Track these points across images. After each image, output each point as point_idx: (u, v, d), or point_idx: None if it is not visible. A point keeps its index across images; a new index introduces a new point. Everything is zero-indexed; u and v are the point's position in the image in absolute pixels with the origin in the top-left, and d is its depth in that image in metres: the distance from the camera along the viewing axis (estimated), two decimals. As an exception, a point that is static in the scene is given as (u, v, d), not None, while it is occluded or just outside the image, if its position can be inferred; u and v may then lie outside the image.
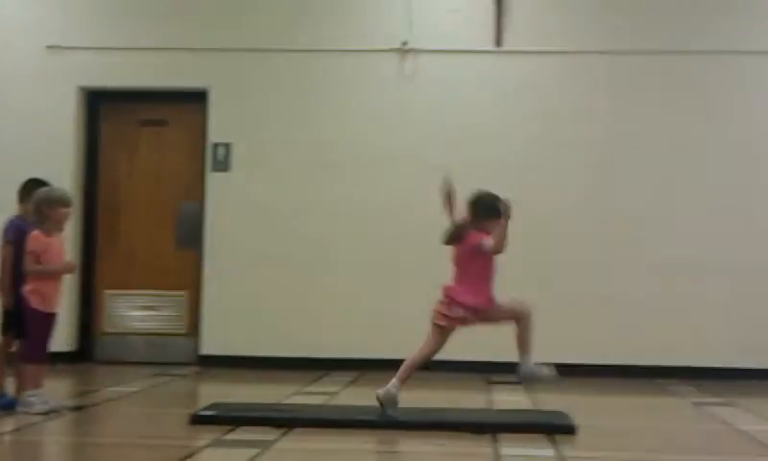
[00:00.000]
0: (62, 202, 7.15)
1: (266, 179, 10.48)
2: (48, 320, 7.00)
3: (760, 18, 10.33)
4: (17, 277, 7.11)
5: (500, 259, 6.92)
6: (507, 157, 10.27)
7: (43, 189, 7.17)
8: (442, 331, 6.90)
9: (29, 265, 6.95)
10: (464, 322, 6.86)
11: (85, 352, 10.64)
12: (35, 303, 6.93)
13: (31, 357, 6.98)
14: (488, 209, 6.85)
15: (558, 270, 10.17)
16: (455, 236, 6.90)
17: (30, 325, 6.96)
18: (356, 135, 10.44)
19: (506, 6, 10.42)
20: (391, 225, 10.34)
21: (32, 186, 7.33)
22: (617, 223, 10.24)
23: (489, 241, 6.73)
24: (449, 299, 6.83)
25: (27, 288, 6.95)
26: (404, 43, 10.42)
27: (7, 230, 7.36)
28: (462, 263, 6.88)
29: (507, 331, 9.86)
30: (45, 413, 6.83)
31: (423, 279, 10.21)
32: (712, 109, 10.27)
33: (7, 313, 7.34)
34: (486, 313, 6.85)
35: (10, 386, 7.25)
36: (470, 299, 6.78)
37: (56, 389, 7.58)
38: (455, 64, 10.46)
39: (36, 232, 6.98)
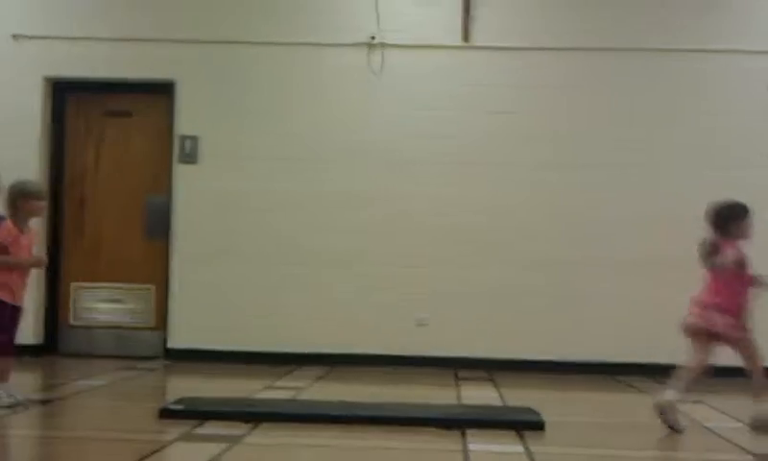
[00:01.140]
0: (37, 195, 7.11)
1: (234, 171, 10.44)
2: (14, 313, 6.95)
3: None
4: None
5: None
6: (473, 152, 10.32)
7: (18, 181, 7.11)
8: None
9: None
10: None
11: (52, 345, 10.57)
12: (1, 295, 6.88)
13: None
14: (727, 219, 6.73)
15: (521, 266, 10.22)
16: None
17: None
18: (324, 129, 10.43)
19: (474, 1, 10.45)
20: (359, 218, 10.35)
21: None
22: (581, 220, 10.30)
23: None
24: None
25: None
26: (372, 37, 10.43)
27: None
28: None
29: (476, 326, 9.96)
30: (10, 406, 6.79)
31: (393, 273, 10.31)
32: (679, 108, 10.35)
33: None
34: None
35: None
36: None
37: (22, 382, 7.52)
38: (423, 59, 10.48)
39: (7, 223, 6.93)
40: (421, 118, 10.39)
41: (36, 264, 7.37)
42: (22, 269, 7.03)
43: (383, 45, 10.43)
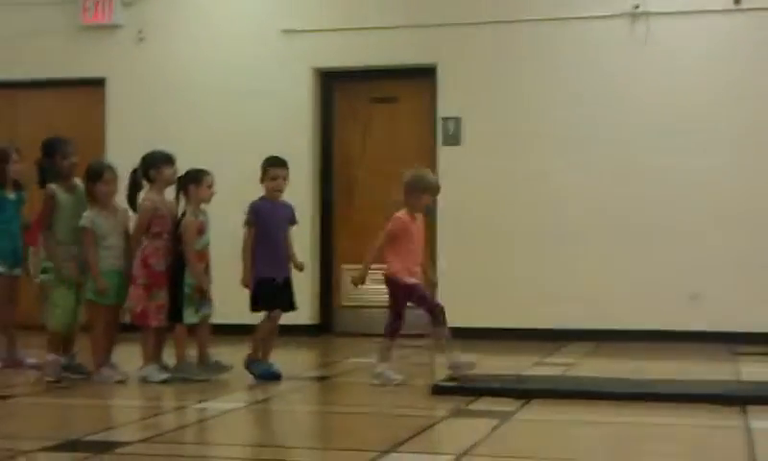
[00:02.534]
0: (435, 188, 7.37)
1: (497, 151, 10.46)
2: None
3: None
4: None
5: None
6: (745, 120, 9.87)
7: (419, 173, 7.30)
8: None
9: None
10: None
11: (327, 326, 10.98)
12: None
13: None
14: None
15: None
16: None
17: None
18: (589, 104, 10.27)
19: (744, -39, 9.97)
20: (624, 193, 10.11)
21: None
22: None
23: None
24: None
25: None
26: (636, 6, 10.15)
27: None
28: None
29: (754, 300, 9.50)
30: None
31: (661, 248, 10.00)
32: None
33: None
34: None
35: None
36: None
37: (300, 360, 7.83)
38: (690, 26, 10.10)
39: (401, 213, 7.20)
40: (689, 87, 10.03)
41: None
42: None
43: (647, 14, 10.12)
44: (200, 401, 6.60)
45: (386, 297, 7.40)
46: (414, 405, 6.56)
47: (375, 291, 10.84)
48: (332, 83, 11.18)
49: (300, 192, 9.79)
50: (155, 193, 7.44)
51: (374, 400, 6.84)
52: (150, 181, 7.45)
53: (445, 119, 10.62)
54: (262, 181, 7.49)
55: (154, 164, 7.44)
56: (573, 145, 10.24)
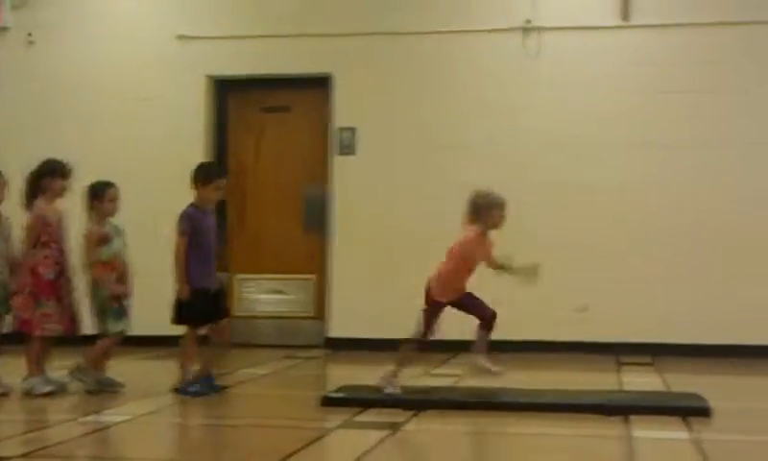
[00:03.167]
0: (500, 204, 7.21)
1: (391, 161, 10.52)
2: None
3: None
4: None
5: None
6: (634, 134, 10.11)
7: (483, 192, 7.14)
8: None
9: None
10: None
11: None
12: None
13: None
14: None
15: (689, 248, 9.95)
16: None
17: None
18: (481, 116, 10.39)
19: (631, -22, 10.22)
20: (519, 204, 10.24)
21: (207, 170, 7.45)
22: (751, 200, 9.95)
23: None
24: None
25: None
26: (528, 21, 10.32)
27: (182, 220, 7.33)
28: None
29: (638, 312, 9.75)
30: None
31: (550, 262, 10.16)
32: None
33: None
34: None
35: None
36: None
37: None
38: (581, 41, 10.31)
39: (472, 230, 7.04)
40: (580, 102, 10.24)
41: None
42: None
43: (539, 29, 10.31)
44: (86, 415, 6.49)
45: (276, 307, 7.35)
46: (303, 417, 6.56)
47: (267, 301, 10.87)
48: (226, 91, 11.11)
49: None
50: (44, 202, 7.31)
51: (264, 413, 6.83)
52: (42, 190, 7.32)
53: (341, 129, 10.64)
54: (202, 187, 7.33)
55: (48, 174, 7.32)
56: (466, 156, 10.34)
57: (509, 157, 10.31)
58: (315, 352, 10.13)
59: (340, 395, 6.92)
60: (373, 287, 10.41)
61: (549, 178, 10.21)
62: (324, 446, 5.75)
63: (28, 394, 7.08)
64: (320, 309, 10.68)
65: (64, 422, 6.38)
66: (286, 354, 9.73)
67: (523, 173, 10.24)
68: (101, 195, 7.33)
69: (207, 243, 7.37)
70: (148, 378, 7.62)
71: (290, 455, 5.26)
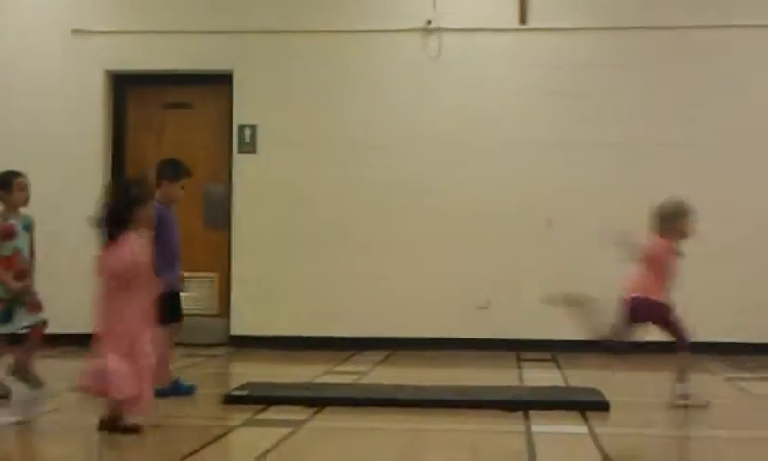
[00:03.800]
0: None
1: (292, 159, 10.49)
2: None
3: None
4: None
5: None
6: (532, 135, 10.26)
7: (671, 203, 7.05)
8: None
9: None
10: None
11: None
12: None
13: None
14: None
15: (585, 246, 10.13)
16: None
17: None
18: (382, 116, 10.44)
19: (530, -18, 10.38)
20: (416, 205, 10.33)
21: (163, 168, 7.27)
22: (647, 199, 10.17)
23: None
24: None
25: None
26: (428, 22, 10.40)
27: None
28: None
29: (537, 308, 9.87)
30: None
31: (451, 260, 10.29)
32: (742, 84, 10.18)
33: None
34: None
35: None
36: None
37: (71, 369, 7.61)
38: (480, 43, 10.43)
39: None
40: (480, 102, 10.34)
41: None
42: None
43: (439, 30, 10.39)
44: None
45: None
46: (205, 415, 6.51)
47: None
48: (125, 86, 10.94)
49: (91, 197, 9.50)
50: None
51: (166, 411, 6.74)
52: None
53: (242, 126, 10.58)
54: (169, 184, 7.15)
55: None
56: (366, 155, 10.38)
57: (406, 157, 10.36)
58: (218, 350, 10.05)
59: (243, 392, 6.88)
60: (276, 285, 10.37)
61: (450, 177, 10.30)
62: (226, 444, 5.72)
63: None
64: (223, 307, 10.60)
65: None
66: (189, 352, 9.63)
67: (424, 174, 10.32)
68: (9, 185, 7.11)
69: (173, 241, 7.15)
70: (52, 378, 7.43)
71: (191, 454, 5.22)
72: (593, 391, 6.96)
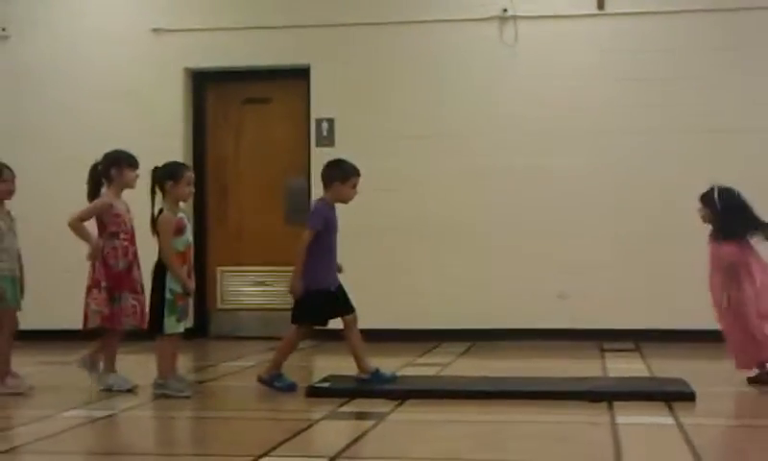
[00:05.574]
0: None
1: (371, 152, 10.48)
2: None
3: None
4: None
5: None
6: (611, 121, 10.14)
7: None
8: None
9: None
10: None
11: (202, 329, 10.87)
12: None
13: None
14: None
15: (665, 235, 9.99)
16: None
17: None
18: (461, 105, 10.41)
19: (607, -32, 10.25)
20: (499, 193, 10.29)
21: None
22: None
23: None
24: None
25: None
26: (504, 10, 10.33)
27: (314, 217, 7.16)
28: None
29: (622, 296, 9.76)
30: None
31: (532, 246, 10.20)
32: None
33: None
34: None
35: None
36: None
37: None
38: (557, 29, 10.33)
39: None
40: (558, 89, 10.26)
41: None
42: None
43: (515, 18, 10.32)
44: (67, 409, 6.45)
45: (260, 300, 7.30)
46: (289, 408, 6.57)
47: (251, 294, 10.86)
48: (204, 83, 11.08)
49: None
50: (113, 194, 7.19)
51: (249, 405, 6.82)
52: (110, 180, 7.20)
53: (319, 120, 10.63)
54: (339, 186, 7.25)
55: (116, 163, 7.20)
56: (446, 146, 10.37)
57: (489, 144, 10.32)
58: (301, 344, 10.09)
59: (325, 385, 6.92)
60: (355, 277, 10.37)
61: (528, 164, 10.23)
62: (310, 437, 5.76)
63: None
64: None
65: (43, 418, 6.37)
66: (271, 346, 9.69)
67: (501, 162, 10.26)
68: (178, 176, 6.94)
69: (333, 242, 7.26)
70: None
71: (276, 447, 5.27)
72: (679, 381, 6.85)
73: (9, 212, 7.21)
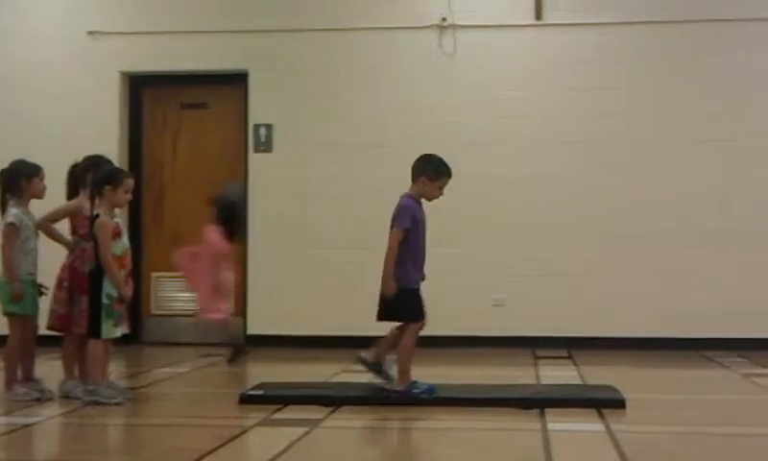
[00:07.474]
0: None
1: (308, 158, 10.50)
2: None
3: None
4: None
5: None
6: (548, 131, 10.24)
7: None
8: None
9: None
10: None
11: (135, 335, 10.73)
12: None
13: None
14: None
15: (603, 243, 10.11)
16: None
17: None
18: (398, 113, 10.43)
19: (545, -23, 10.35)
20: (438, 201, 10.22)
21: None
22: (662, 196, 10.15)
23: None
24: None
25: None
26: (443, 19, 10.38)
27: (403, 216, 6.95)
28: None
29: (555, 304, 9.87)
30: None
31: (469, 255, 10.25)
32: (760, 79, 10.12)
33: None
34: None
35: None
36: None
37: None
38: (496, 39, 10.41)
39: None
40: (498, 98, 10.33)
41: None
42: None
43: (454, 26, 10.38)
44: (4, 414, 6.36)
45: (194, 306, 7.26)
46: (222, 415, 6.53)
47: (185, 300, 10.77)
48: (141, 87, 10.98)
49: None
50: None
51: (183, 412, 6.77)
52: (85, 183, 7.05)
53: (257, 126, 10.59)
54: (426, 181, 7.08)
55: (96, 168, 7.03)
56: (383, 153, 10.36)
57: (427, 152, 10.30)
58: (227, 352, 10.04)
59: (258, 392, 6.89)
60: (291, 284, 10.38)
61: (467, 173, 10.23)
62: (242, 444, 5.73)
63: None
64: (239, 307, 10.60)
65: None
66: (205, 352, 9.66)
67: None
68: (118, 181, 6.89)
69: (422, 240, 7.09)
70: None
71: (207, 454, 5.24)
72: (610, 388, 6.93)
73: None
